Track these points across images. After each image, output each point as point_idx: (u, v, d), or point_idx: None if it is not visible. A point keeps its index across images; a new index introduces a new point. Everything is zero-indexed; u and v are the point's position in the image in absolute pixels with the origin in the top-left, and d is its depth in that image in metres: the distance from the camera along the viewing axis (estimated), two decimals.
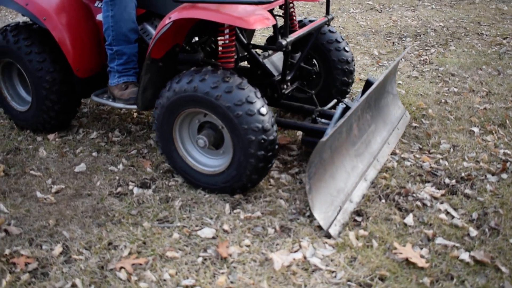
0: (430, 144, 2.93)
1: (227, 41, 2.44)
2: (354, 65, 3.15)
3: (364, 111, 2.61)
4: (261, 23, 2.19)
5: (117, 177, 2.67)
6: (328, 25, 2.85)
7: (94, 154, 2.92)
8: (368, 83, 2.71)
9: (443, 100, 3.50)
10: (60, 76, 2.94)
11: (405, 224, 2.24)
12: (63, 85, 2.96)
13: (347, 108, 2.48)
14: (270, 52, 2.79)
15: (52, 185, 2.63)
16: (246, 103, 2.20)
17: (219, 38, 2.48)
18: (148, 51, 2.44)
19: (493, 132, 3.05)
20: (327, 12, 2.80)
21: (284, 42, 2.35)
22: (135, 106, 2.72)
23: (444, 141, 2.95)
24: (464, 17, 5.76)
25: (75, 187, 2.60)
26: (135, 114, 3.44)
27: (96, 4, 2.95)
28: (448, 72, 4.06)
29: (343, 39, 3.10)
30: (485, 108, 3.36)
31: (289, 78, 2.76)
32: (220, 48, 2.49)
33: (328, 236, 2.14)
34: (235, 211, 2.35)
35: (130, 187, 2.59)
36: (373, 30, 5.31)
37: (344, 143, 2.40)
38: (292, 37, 2.41)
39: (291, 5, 2.92)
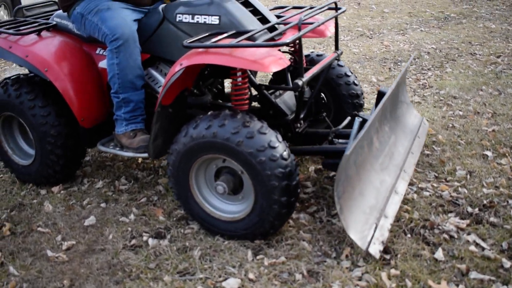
0: (445, 171, 2.88)
1: (240, 84, 2.39)
2: (364, 98, 3.11)
3: (382, 123, 2.58)
4: (276, 65, 2.14)
5: (129, 229, 2.57)
6: (338, 60, 2.82)
7: (103, 205, 2.82)
8: (381, 94, 2.64)
9: (450, 125, 3.47)
10: (65, 130, 2.86)
11: (436, 260, 2.16)
12: (68, 139, 2.88)
13: (364, 121, 2.40)
14: (281, 91, 2.73)
15: (62, 241, 2.52)
16: (268, 148, 2.13)
17: (231, 81, 2.43)
18: (159, 98, 2.38)
19: (507, 154, 3.01)
20: (336, 47, 2.76)
21: (300, 83, 2.30)
22: (145, 155, 2.63)
23: (459, 167, 2.90)
24: (455, 38, 5.80)
25: (86, 242, 2.50)
26: (140, 160, 3.35)
27: (98, 52, 2.89)
28: (449, 95, 4.05)
29: (352, 73, 3.07)
30: (493, 130, 3.33)
31: (302, 116, 2.70)
32: (233, 91, 2.43)
33: (368, 256, 2.09)
34: (258, 257, 2.26)
35: (144, 238, 2.49)
36: (367, 57, 5.32)
37: (367, 158, 2.34)
38: (307, 76, 2.36)
39: None
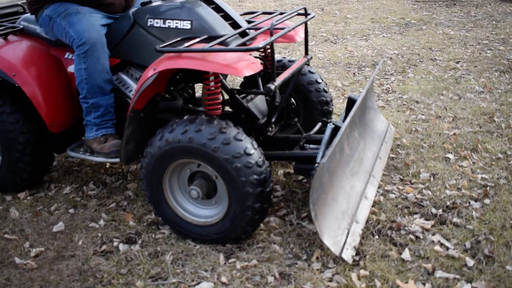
0: (410, 174, 2.97)
1: (212, 88, 2.41)
2: (333, 105, 3.17)
3: (352, 129, 2.64)
4: (249, 69, 2.17)
5: (99, 234, 2.55)
6: (308, 65, 2.87)
7: (71, 210, 2.79)
8: (351, 100, 2.70)
9: (413, 129, 3.58)
10: (34, 137, 2.81)
11: (403, 260, 2.23)
12: (37, 146, 2.83)
13: (336, 128, 2.45)
14: (252, 95, 2.76)
15: (31, 248, 2.47)
16: (244, 155, 2.15)
17: (204, 86, 2.45)
18: (131, 104, 2.37)
19: (467, 157, 3.13)
20: (306, 52, 2.82)
21: (272, 87, 2.33)
22: (117, 160, 2.62)
23: (423, 170, 3.00)
24: (416, 44, 5.98)
25: (55, 248, 2.46)
26: (108, 165, 3.32)
27: (66, 56, 2.86)
28: (412, 99, 4.17)
29: (322, 80, 3.12)
30: (454, 134, 3.46)
31: (273, 120, 2.74)
32: (206, 96, 2.44)
33: (354, 264, 2.15)
34: (230, 261, 2.28)
35: (115, 243, 2.47)
36: (332, 62, 5.42)
37: (339, 164, 2.40)
38: (279, 80, 2.40)
39: None
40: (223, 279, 2.15)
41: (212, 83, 2.41)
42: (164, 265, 2.27)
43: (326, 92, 3.11)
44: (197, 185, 2.31)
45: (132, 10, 2.75)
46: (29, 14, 3.03)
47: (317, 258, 2.26)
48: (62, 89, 2.81)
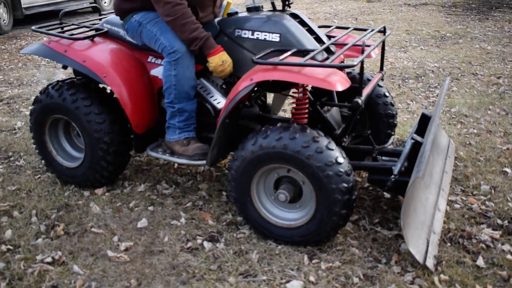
0: (470, 186, 3.09)
1: (301, 99, 2.57)
2: (397, 119, 3.33)
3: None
4: (342, 85, 2.32)
5: (182, 232, 2.69)
6: (382, 80, 3.01)
7: (150, 208, 2.94)
8: (424, 117, 2.83)
9: (467, 142, 3.70)
10: (118, 137, 2.96)
11: (478, 266, 2.36)
12: (120, 146, 2.99)
13: (416, 143, 2.56)
14: (328, 107, 2.91)
15: (119, 242, 2.62)
16: (335, 164, 2.29)
17: (294, 96, 2.61)
18: (223, 111, 2.53)
19: None
20: (381, 68, 2.97)
21: (360, 101, 2.48)
22: (201, 162, 2.78)
23: (483, 182, 3.12)
24: (454, 57, 6.10)
25: (143, 243, 2.61)
26: (176, 165, 3.48)
27: (149, 60, 3.02)
28: (460, 113, 4.30)
29: (389, 94, 3.27)
30: (508, 148, 3.58)
31: (348, 131, 2.88)
32: (295, 105, 2.61)
33: (425, 269, 2.27)
34: (313, 261, 2.42)
35: (199, 241, 2.61)
36: (375, 73, 5.55)
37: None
38: (364, 94, 2.54)
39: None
40: (311, 278, 2.29)
41: (301, 94, 2.56)
42: (251, 263, 2.41)
43: (392, 105, 3.25)
44: (285, 189, 2.45)
45: (218, 19, 2.89)
46: (111, 16, 3.21)
47: (395, 261, 2.39)
48: (146, 91, 2.97)
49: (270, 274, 2.34)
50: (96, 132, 2.92)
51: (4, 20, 9.06)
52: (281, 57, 2.43)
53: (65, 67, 3.34)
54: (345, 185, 2.31)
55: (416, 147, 2.53)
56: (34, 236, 2.70)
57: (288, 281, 2.28)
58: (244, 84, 2.43)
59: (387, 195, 3.00)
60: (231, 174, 2.55)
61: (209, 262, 2.44)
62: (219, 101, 2.89)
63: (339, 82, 2.32)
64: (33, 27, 3.18)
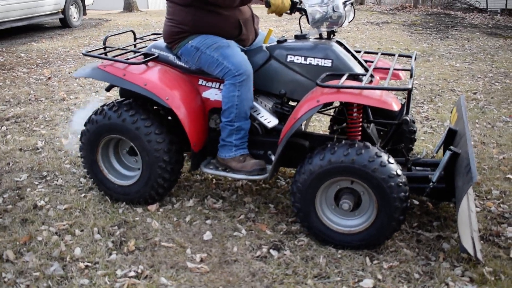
0: (483, 191, 3.54)
1: (355, 118, 2.92)
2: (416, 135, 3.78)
3: None
4: (397, 105, 2.70)
5: (247, 242, 2.95)
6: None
7: (208, 222, 3.17)
8: (451, 131, 3.17)
9: None
10: (175, 156, 3.20)
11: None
12: (176, 164, 3.22)
13: (454, 154, 2.89)
14: (369, 124, 3.28)
15: (193, 254, 2.85)
16: (396, 176, 2.65)
17: (348, 116, 2.98)
18: (287, 129, 2.83)
19: None
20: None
21: (408, 119, 2.90)
22: (259, 177, 3.06)
23: (492, 188, 3.58)
24: (430, 75, 6.66)
25: (215, 254, 2.85)
26: (214, 180, 3.73)
27: (200, 82, 3.26)
28: None
29: (411, 115, 3.69)
30: (504, 158, 4.08)
31: (384, 145, 3.26)
32: (350, 124, 3.00)
33: (476, 262, 2.68)
34: (374, 262, 2.75)
35: (264, 250, 2.88)
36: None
37: None
38: (410, 113, 2.92)
39: None
40: (378, 276, 2.62)
41: (356, 114, 2.91)
42: (321, 267, 2.71)
43: (414, 122, 3.67)
44: (347, 198, 2.79)
45: (267, 45, 3.20)
46: (158, 41, 3.40)
47: (443, 258, 2.76)
48: (201, 112, 3.21)
49: (341, 275, 2.65)
50: (156, 151, 3.13)
51: None
52: (341, 80, 2.77)
53: (108, 89, 3.54)
54: (403, 194, 2.67)
55: (453, 157, 2.91)
56: (106, 252, 2.88)
57: (360, 280, 2.60)
58: (310, 105, 2.76)
59: (416, 202, 3.39)
60: (296, 186, 2.84)
61: (282, 268, 2.72)
62: (269, 120, 3.14)
63: (395, 103, 2.70)
64: (83, 51, 3.36)
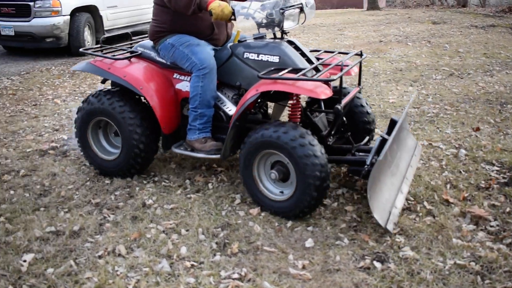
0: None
1: (295, 103, 3.45)
2: (375, 124, 4.06)
3: (393, 142, 3.39)
4: (325, 94, 3.11)
5: (349, 252, 2.91)
6: (360, 92, 3.87)
7: (309, 228, 3.17)
8: (393, 121, 3.60)
9: None
10: (147, 131, 3.76)
11: None
12: (148, 138, 3.78)
13: (383, 140, 3.32)
14: (317, 113, 3.73)
15: (295, 261, 2.85)
16: (313, 157, 3.04)
17: (289, 102, 3.52)
18: (235, 115, 3.36)
19: None
20: (359, 83, 3.78)
21: (340, 107, 3.26)
22: (216, 156, 3.58)
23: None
24: None
25: (317, 262, 2.83)
26: None
27: (175, 76, 3.82)
28: None
29: (367, 104, 4.00)
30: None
31: (332, 133, 3.65)
32: (291, 109, 3.47)
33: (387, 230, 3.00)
34: (486, 281, 2.60)
35: (368, 260, 2.82)
36: (470, 98, 5.71)
37: (385, 166, 3.17)
38: (344, 103, 3.33)
39: None
40: None
41: (295, 101, 3.45)
42: (427, 283, 2.61)
43: (369, 114, 3.97)
44: (277, 170, 3.24)
45: (229, 44, 3.70)
46: (144, 41, 4.04)
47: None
48: (172, 100, 3.78)
49: None
50: (129, 125, 3.70)
51: (88, 42, 9.57)
52: (280, 73, 3.21)
53: (103, 81, 4.16)
54: (318, 173, 3.05)
55: (383, 143, 3.27)
56: (210, 253, 2.97)
57: None
58: (251, 94, 3.25)
59: None
60: (241, 155, 3.35)
61: (387, 281, 2.65)
62: (230, 109, 3.67)
63: (323, 93, 3.11)
64: (81, 49, 4.19)
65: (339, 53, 3.86)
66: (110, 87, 3.98)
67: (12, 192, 3.84)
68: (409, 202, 3.45)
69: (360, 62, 3.68)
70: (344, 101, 3.39)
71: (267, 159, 3.33)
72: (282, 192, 3.32)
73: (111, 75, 3.78)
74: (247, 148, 3.29)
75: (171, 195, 3.70)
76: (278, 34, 3.59)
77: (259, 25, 3.50)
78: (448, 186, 3.66)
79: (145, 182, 3.93)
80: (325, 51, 4.07)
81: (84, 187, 3.87)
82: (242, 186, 3.64)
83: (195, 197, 3.63)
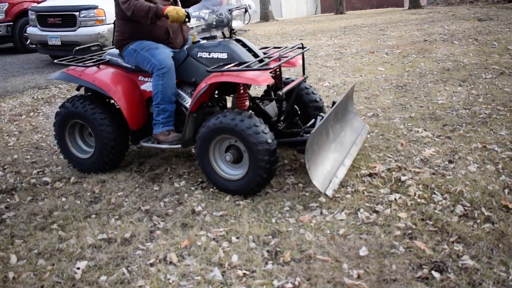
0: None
1: (242, 93, 3.83)
2: (323, 103, 4.48)
3: (335, 122, 3.93)
4: (266, 82, 3.55)
5: (405, 261, 2.81)
6: (305, 81, 4.32)
7: (362, 236, 3.08)
8: (334, 103, 4.00)
9: None
10: (116, 130, 4.16)
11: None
12: (118, 136, 4.19)
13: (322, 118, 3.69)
14: (267, 101, 4.14)
15: (349, 270, 2.79)
16: (265, 143, 3.45)
17: (237, 92, 3.86)
18: (190, 107, 3.77)
19: None
20: (303, 73, 4.25)
21: (280, 93, 3.80)
22: (177, 146, 3.94)
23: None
24: None
25: (373, 271, 2.75)
26: (365, 193, 3.62)
27: (140, 78, 4.23)
28: None
29: (310, 86, 4.47)
30: None
31: (282, 118, 4.09)
32: (238, 98, 3.84)
33: (325, 195, 3.44)
34: None
35: (425, 270, 2.72)
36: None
37: (326, 142, 3.66)
38: (284, 90, 3.85)
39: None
40: None
41: (242, 90, 3.82)
42: None
43: (314, 94, 4.41)
44: (231, 153, 3.63)
45: (186, 46, 4.14)
46: (111, 50, 4.48)
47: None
48: (138, 100, 4.20)
49: None
50: (100, 125, 4.14)
51: None
52: (226, 67, 3.63)
53: (78, 89, 4.54)
54: (268, 158, 3.48)
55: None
56: (262, 261, 2.92)
57: None
58: (201, 86, 3.67)
59: None
60: (198, 136, 3.70)
61: None
62: (189, 103, 3.96)
63: (264, 80, 3.54)
64: (55, 60, 4.49)
65: (285, 48, 4.28)
66: (83, 93, 4.44)
67: (64, 199, 3.92)
68: (466, 208, 3.32)
69: (303, 54, 4.16)
70: (286, 88, 3.92)
71: (222, 143, 3.71)
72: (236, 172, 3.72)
73: (82, 81, 4.24)
74: (205, 131, 3.64)
75: (220, 201, 3.68)
76: (227, 34, 4.06)
77: (210, 25, 3.95)
78: (507, 191, 3.51)
79: (193, 188, 3.94)
80: (274, 47, 4.51)
81: (134, 194, 3.91)
82: (291, 192, 3.62)
83: (244, 204, 3.60)
